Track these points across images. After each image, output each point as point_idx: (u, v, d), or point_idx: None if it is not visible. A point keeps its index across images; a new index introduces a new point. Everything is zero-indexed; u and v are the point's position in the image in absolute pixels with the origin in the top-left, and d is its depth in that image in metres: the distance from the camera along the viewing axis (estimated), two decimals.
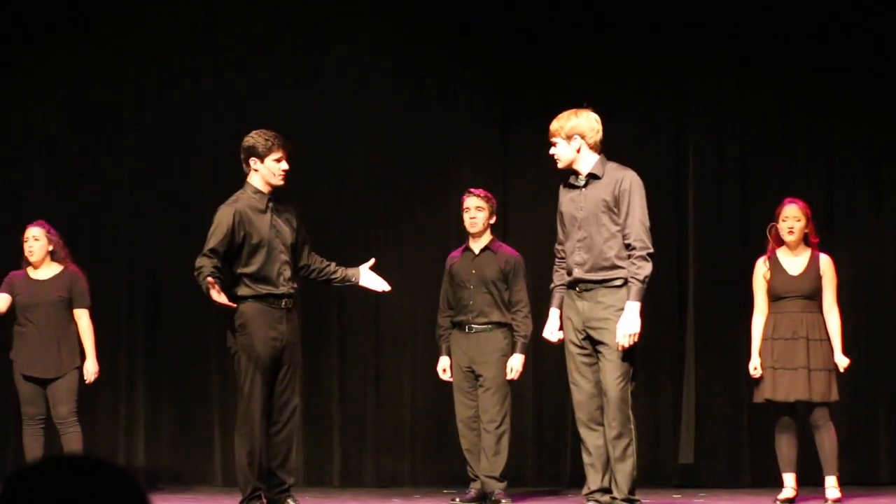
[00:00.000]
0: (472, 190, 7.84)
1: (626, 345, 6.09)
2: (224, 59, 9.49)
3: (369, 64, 9.44)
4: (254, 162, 6.49)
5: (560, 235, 6.39)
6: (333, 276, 6.78)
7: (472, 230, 7.76)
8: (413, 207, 9.43)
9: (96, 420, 9.03)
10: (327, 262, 6.79)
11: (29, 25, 9.40)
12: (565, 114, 6.30)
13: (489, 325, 7.67)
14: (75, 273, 7.88)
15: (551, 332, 6.38)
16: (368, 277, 6.75)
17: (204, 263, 6.36)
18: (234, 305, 6.38)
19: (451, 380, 7.77)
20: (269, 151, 6.47)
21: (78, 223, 9.13)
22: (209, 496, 8.49)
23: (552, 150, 6.28)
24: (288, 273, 6.51)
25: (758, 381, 7.43)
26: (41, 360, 7.71)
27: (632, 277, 6.14)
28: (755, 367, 7.39)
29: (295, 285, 6.56)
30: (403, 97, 9.47)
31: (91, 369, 7.80)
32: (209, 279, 6.25)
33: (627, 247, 6.17)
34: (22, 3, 9.43)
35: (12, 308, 7.84)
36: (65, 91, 9.49)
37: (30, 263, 7.87)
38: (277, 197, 6.59)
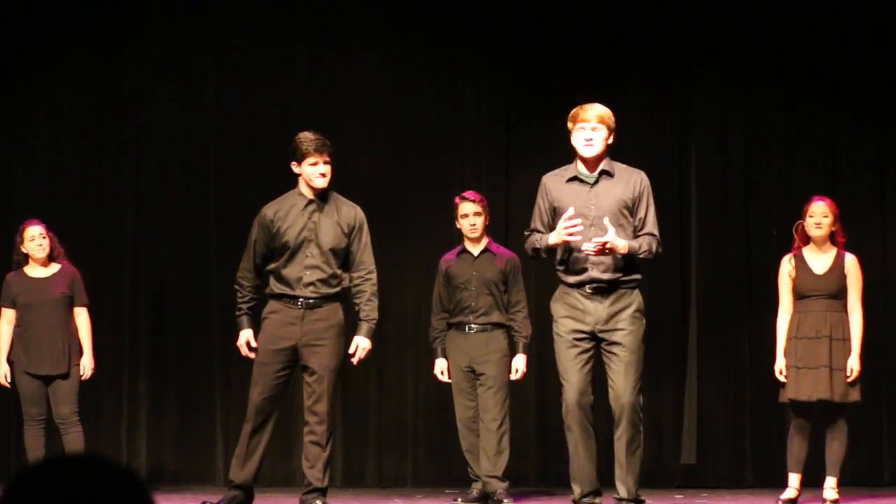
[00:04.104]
0: (466, 195, 7.78)
1: (606, 243, 5.88)
2: (229, 61, 9.49)
3: (374, 66, 9.44)
4: (294, 165, 6.51)
5: (539, 226, 6.18)
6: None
7: (472, 235, 7.72)
8: (417, 207, 9.43)
9: (98, 420, 9.04)
10: (359, 301, 6.55)
11: (33, 25, 9.39)
12: (603, 106, 6.15)
13: (489, 326, 7.66)
14: (74, 271, 7.88)
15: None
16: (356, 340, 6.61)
17: (242, 295, 6.58)
18: (254, 357, 6.55)
19: (449, 381, 7.77)
20: (304, 155, 6.44)
21: (81, 223, 9.13)
22: (211, 496, 8.48)
23: (592, 135, 6.05)
24: (314, 277, 6.42)
25: (783, 381, 7.39)
26: (46, 358, 7.71)
27: (642, 241, 6.01)
28: (780, 370, 7.36)
29: (322, 291, 6.43)
30: (409, 99, 9.46)
31: (87, 365, 7.77)
32: (245, 348, 6.57)
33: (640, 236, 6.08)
34: (27, 4, 9.43)
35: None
36: (69, 91, 9.48)
37: (25, 263, 7.85)
38: (327, 199, 6.52)
